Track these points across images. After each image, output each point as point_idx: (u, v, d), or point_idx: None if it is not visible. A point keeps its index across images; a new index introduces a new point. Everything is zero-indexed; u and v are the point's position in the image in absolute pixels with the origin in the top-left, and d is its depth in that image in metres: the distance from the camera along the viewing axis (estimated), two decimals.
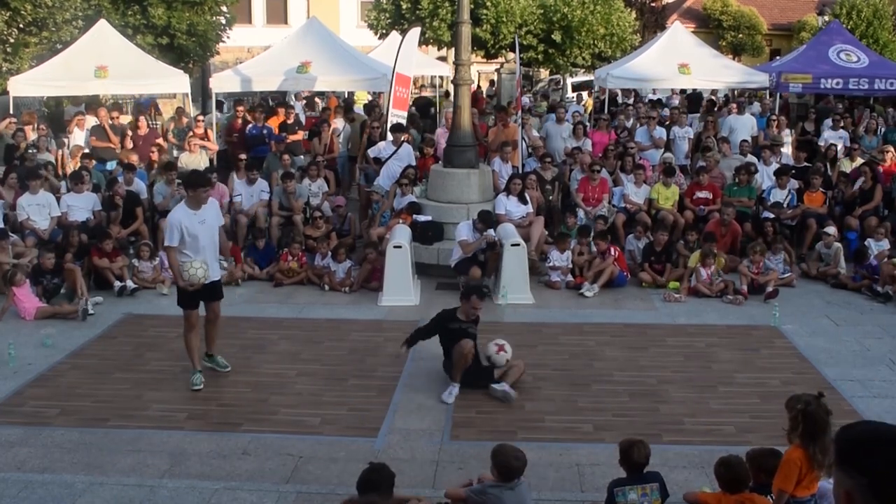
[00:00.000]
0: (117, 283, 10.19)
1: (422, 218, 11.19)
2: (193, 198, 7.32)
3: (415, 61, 15.62)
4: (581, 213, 11.95)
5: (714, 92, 21.17)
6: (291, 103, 18.04)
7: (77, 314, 9.30)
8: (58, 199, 11.43)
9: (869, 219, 11.68)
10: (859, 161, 13.25)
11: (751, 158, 13.35)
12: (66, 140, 14.83)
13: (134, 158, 13.15)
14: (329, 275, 10.60)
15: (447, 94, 26.07)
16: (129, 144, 13.97)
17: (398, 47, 14.66)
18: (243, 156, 13.00)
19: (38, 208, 11.15)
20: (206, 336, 7.80)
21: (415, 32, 15.30)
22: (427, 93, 27.95)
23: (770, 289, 10.08)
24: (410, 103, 16.16)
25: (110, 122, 14.54)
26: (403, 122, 13.96)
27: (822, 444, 4.57)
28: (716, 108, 18.62)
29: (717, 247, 10.64)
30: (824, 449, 4.57)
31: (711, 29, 40.34)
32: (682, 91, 21.77)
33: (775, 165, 13.05)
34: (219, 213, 7.73)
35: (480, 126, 14.48)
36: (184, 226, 7.17)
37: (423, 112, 20.04)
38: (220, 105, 17.58)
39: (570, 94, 26.59)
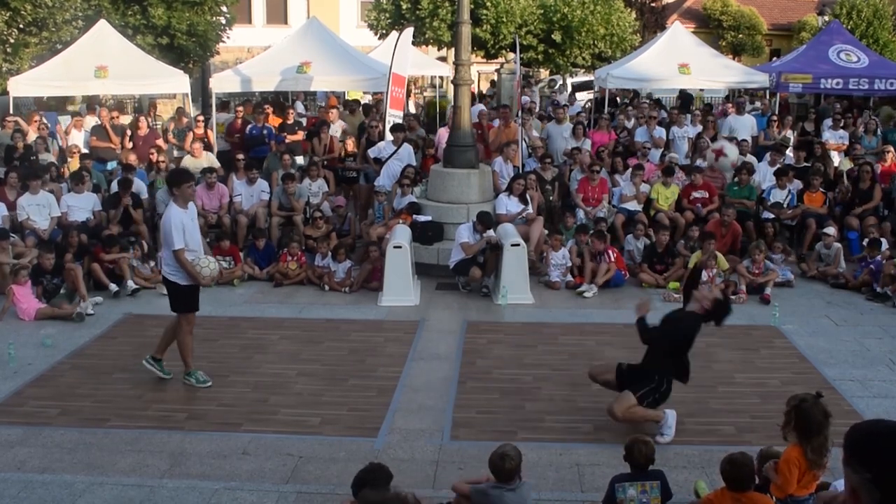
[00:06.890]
0: (112, 286, 10.18)
1: (422, 218, 11.19)
2: (180, 195, 7.26)
3: (409, 61, 15.62)
4: (581, 214, 11.95)
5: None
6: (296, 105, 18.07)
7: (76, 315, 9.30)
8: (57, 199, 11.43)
9: (867, 218, 11.68)
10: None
11: (750, 158, 13.34)
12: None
13: (133, 158, 13.13)
14: (329, 275, 10.60)
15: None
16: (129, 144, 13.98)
17: (393, 48, 14.67)
18: (241, 156, 12.99)
19: (38, 208, 11.15)
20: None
21: (408, 32, 15.32)
22: (428, 93, 27.96)
23: (768, 290, 10.09)
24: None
25: (111, 121, 14.54)
26: (401, 121, 13.96)
27: (816, 444, 4.56)
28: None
29: (716, 246, 10.63)
30: (817, 449, 4.56)
31: (711, 29, 40.27)
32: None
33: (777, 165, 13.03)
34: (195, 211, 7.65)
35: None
36: (184, 224, 7.17)
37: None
38: (225, 105, 17.57)
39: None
